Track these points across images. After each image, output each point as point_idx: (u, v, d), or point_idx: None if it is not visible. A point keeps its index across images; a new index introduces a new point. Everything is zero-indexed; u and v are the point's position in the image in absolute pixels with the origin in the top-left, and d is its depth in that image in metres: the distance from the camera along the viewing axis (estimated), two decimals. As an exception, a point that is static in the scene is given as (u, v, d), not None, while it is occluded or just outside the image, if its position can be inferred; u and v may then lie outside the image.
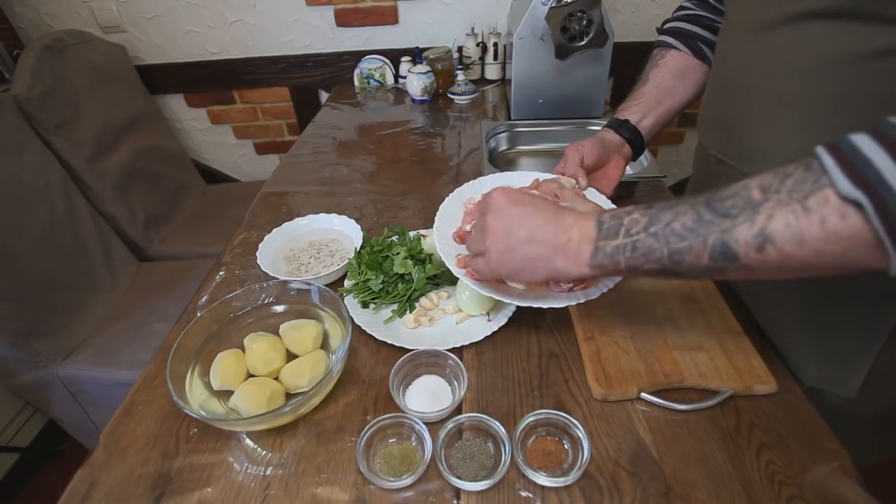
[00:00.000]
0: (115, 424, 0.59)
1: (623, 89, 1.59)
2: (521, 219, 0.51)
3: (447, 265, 0.63)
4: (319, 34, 1.69)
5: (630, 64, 1.32)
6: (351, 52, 1.71)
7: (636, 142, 0.74)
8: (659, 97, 0.76)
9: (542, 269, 0.50)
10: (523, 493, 0.50)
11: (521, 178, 0.72)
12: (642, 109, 0.75)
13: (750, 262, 0.39)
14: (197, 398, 0.57)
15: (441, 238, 0.66)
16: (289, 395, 0.60)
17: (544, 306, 0.58)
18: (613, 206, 0.67)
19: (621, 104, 0.78)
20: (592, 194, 0.69)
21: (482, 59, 1.64)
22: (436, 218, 0.68)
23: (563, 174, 0.69)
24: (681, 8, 0.80)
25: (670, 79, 0.76)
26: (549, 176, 0.71)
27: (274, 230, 0.86)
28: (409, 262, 0.72)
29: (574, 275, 0.50)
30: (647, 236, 0.44)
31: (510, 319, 0.68)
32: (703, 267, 0.42)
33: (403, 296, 0.71)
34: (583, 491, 0.50)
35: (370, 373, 0.64)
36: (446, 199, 0.72)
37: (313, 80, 1.78)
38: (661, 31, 0.81)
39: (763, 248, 0.38)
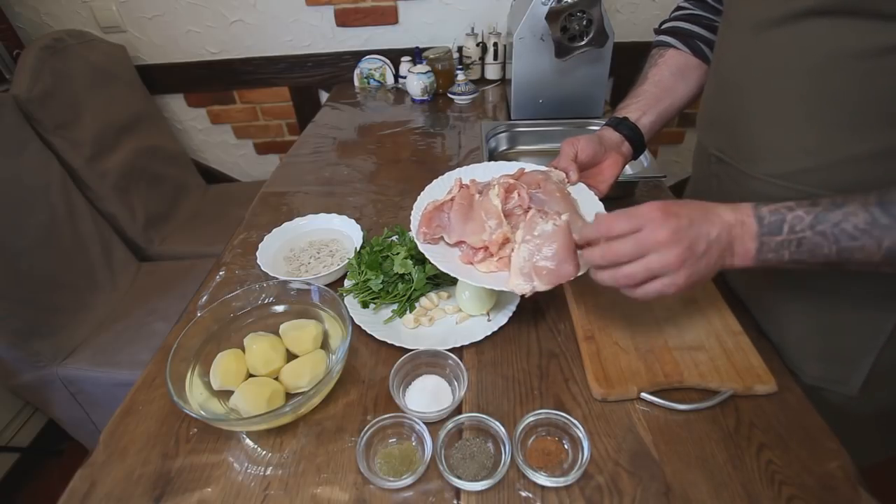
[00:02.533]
0: (115, 424, 0.59)
1: (623, 89, 1.59)
2: (694, 228, 0.48)
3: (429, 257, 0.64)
4: (319, 34, 1.69)
5: (630, 64, 1.32)
6: (351, 52, 1.71)
7: (636, 139, 0.74)
8: (658, 95, 0.76)
9: (716, 270, 0.50)
10: (523, 493, 0.50)
11: (502, 168, 0.74)
12: (641, 107, 0.75)
13: None
14: (197, 398, 0.57)
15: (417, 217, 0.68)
16: (289, 395, 0.60)
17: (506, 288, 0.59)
18: (600, 205, 0.67)
19: (620, 103, 0.78)
20: (582, 191, 0.69)
21: (482, 59, 1.64)
22: (415, 214, 0.69)
23: (556, 168, 0.69)
24: (678, 8, 0.79)
25: (669, 77, 0.76)
26: (536, 167, 0.71)
27: (274, 230, 0.86)
28: (409, 262, 0.72)
29: (738, 266, 0.50)
30: (814, 234, 0.45)
31: (510, 319, 0.68)
32: (875, 263, 0.44)
33: (403, 296, 0.71)
34: (583, 491, 0.50)
35: (370, 373, 0.64)
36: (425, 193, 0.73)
37: (313, 80, 1.78)
38: (659, 31, 0.80)
39: None
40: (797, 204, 0.47)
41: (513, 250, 0.61)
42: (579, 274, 0.59)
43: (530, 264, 0.59)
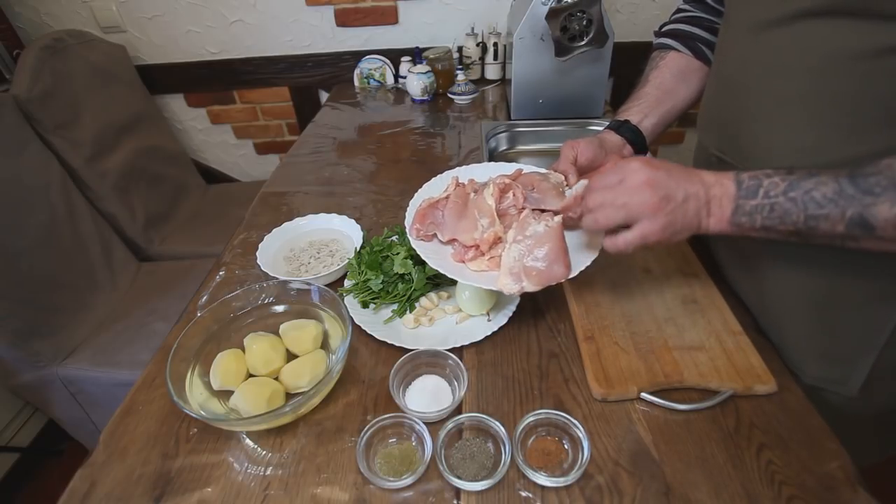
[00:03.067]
0: (115, 424, 0.59)
1: (623, 89, 1.59)
2: (672, 180, 0.51)
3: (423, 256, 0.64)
4: (319, 34, 1.69)
5: (630, 64, 1.32)
6: (351, 52, 1.71)
7: (638, 142, 0.74)
8: (659, 97, 0.75)
9: (694, 226, 0.52)
10: (523, 493, 0.50)
11: (501, 169, 0.74)
12: (643, 110, 0.75)
13: (886, 234, 0.43)
14: (197, 398, 0.57)
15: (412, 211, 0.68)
16: (289, 395, 0.60)
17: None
18: None
19: (621, 106, 0.78)
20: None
21: (482, 59, 1.64)
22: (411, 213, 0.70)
23: (556, 171, 0.69)
24: (679, 10, 0.79)
25: (671, 79, 0.76)
26: (535, 169, 0.71)
27: (274, 230, 0.86)
28: (409, 262, 0.72)
29: (713, 230, 0.52)
30: (786, 200, 0.47)
31: (510, 319, 0.68)
32: (838, 234, 0.45)
33: (403, 296, 0.71)
34: (583, 491, 0.50)
35: (370, 373, 0.64)
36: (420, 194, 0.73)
37: (313, 80, 1.78)
38: (659, 34, 0.80)
39: None
40: (774, 171, 0.49)
41: (504, 250, 0.61)
42: (570, 276, 0.59)
43: (520, 264, 0.59)
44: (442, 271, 0.62)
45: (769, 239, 0.51)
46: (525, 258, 0.59)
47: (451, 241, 0.66)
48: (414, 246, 0.65)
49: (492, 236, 0.62)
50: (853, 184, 0.44)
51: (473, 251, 0.63)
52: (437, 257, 0.64)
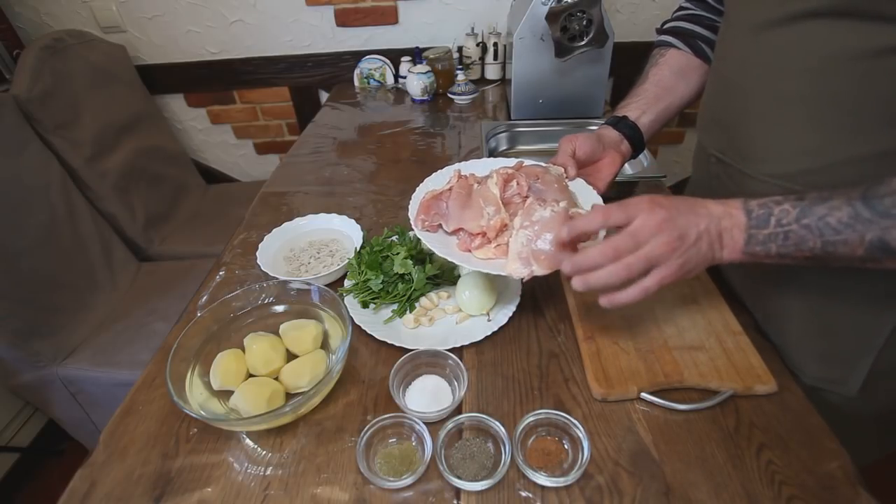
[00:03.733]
0: (115, 424, 0.59)
1: (623, 89, 1.59)
2: (683, 217, 0.49)
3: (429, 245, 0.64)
4: (319, 34, 1.69)
5: (630, 64, 1.32)
6: (351, 52, 1.71)
7: (635, 138, 0.74)
8: (658, 94, 0.76)
9: (707, 261, 0.51)
10: (523, 493, 0.50)
11: (501, 164, 0.74)
12: (641, 106, 0.75)
13: None
14: (197, 398, 0.57)
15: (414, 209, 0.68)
16: (289, 395, 0.60)
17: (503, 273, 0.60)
18: (598, 199, 0.68)
19: (620, 102, 0.78)
20: (580, 185, 0.69)
21: (482, 59, 1.64)
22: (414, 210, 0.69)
23: (555, 164, 0.69)
24: (680, 8, 0.80)
25: (670, 77, 0.76)
26: (535, 163, 0.72)
27: (274, 230, 0.86)
28: (409, 262, 0.72)
29: (727, 261, 0.51)
30: (800, 227, 0.46)
31: (510, 319, 0.68)
32: (857, 258, 0.45)
33: (403, 296, 0.71)
34: (583, 491, 0.49)
35: (370, 373, 0.64)
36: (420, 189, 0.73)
37: (313, 80, 1.78)
38: (660, 31, 0.81)
39: None
40: (784, 198, 0.48)
41: (511, 237, 0.61)
42: None
43: (528, 249, 0.59)
44: (450, 259, 0.62)
45: (787, 264, 0.50)
46: (533, 243, 0.59)
47: (457, 231, 0.66)
48: (419, 236, 0.65)
49: (498, 223, 0.62)
50: (868, 207, 0.43)
51: (480, 239, 0.63)
52: (443, 247, 0.64)
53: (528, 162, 0.72)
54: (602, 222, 0.52)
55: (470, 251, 0.64)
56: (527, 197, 0.65)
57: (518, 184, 0.66)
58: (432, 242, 0.64)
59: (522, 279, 0.59)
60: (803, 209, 0.46)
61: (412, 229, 0.68)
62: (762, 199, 0.49)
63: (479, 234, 0.63)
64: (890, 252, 0.43)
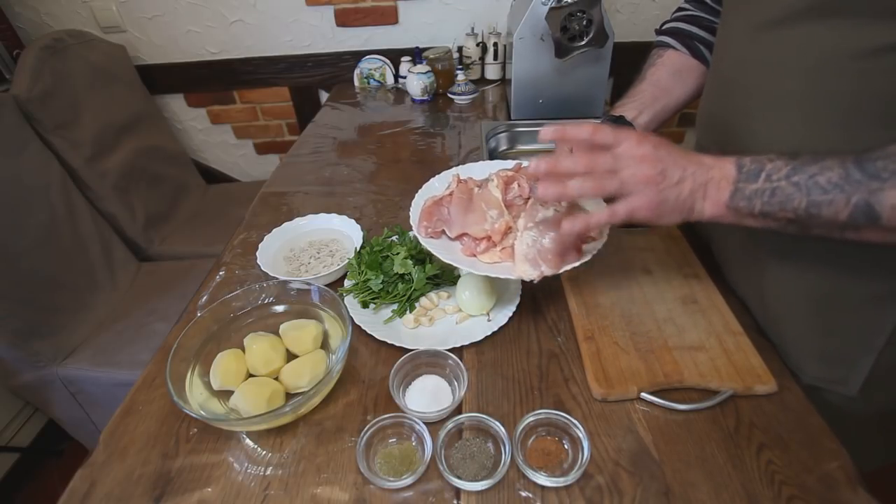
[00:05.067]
0: (115, 424, 0.59)
1: (623, 89, 1.59)
2: (672, 158, 0.49)
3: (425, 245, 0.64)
4: (319, 34, 1.69)
5: (630, 64, 1.31)
6: (351, 52, 1.71)
7: None
8: (655, 95, 0.76)
9: (687, 209, 0.50)
10: (523, 493, 0.50)
11: (499, 166, 0.74)
12: (638, 106, 0.75)
13: (892, 224, 0.41)
14: (197, 398, 0.57)
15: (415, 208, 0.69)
16: (289, 395, 0.60)
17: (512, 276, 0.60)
18: (601, 201, 0.67)
19: (617, 102, 0.78)
20: None
21: (482, 59, 1.64)
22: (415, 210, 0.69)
23: None
24: (679, 9, 0.80)
25: (667, 77, 0.76)
26: None
27: (274, 230, 0.86)
28: (409, 262, 0.72)
29: (708, 215, 0.50)
30: (789, 184, 0.45)
31: (510, 319, 0.68)
32: (839, 223, 0.44)
33: (403, 296, 0.71)
34: (583, 491, 0.49)
35: (370, 373, 0.64)
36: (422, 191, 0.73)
37: (313, 80, 1.78)
38: (659, 32, 0.81)
39: None
40: (778, 155, 0.47)
41: (516, 239, 0.61)
42: (584, 260, 0.59)
43: (534, 250, 0.59)
44: (457, 266, 0.62)
45: (765, 228, 0.49)
46: (539, 243, 0.59)
47: (461, 237, 0.65)
48: (424, 244, 0.65)
49: (503, 226, 0.62)
50: (860, 168, 0.42)
51: (485, 243, 0.63)
52: (449, 253, 0.64)
53: (526, 163, 0.72)
54: (589, 133, 0.51)
55: (475, 256, 0.64)
56: (529, 198, 0.65)
57: (519, 185, 0.66)
58: (437, 249, 0.64)
59: (533, 280, 0.59)
60: (795, 167, 0.46)
61: (412, 230, 0.68)
62: (757, 155, 0.49)
63: (483, 238, 0.63)
64: (872, 217, 0.42)
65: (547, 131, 0.53)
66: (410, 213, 0.68)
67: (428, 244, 0.65)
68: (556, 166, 0.52)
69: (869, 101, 0.47)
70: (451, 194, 0.67)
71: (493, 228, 0.62)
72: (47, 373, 1.16)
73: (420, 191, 0.72)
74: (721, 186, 0.49)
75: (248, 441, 0.57)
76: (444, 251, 0.64)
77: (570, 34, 1.13)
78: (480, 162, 0.78)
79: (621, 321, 0.65)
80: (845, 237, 0.46)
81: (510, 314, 0.68)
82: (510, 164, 0.74)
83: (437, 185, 0.73)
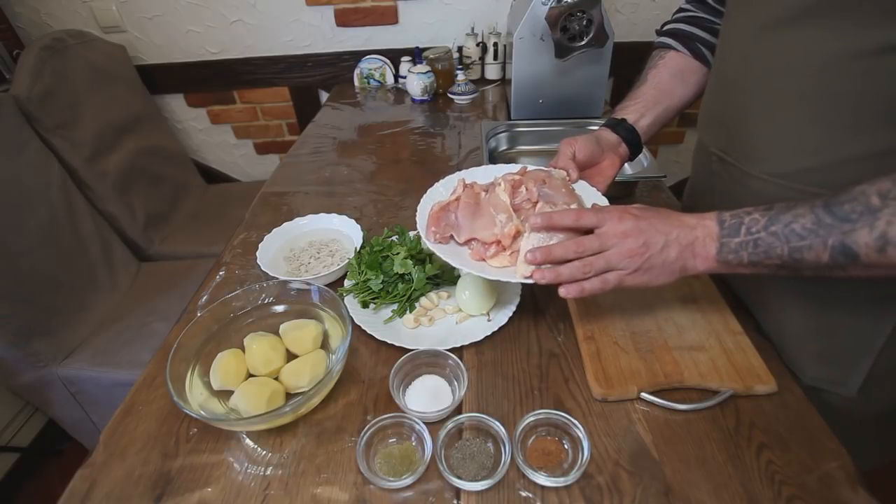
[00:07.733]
0: (115, 424, 0.59)
1: (623, 89, 1.60)
2: (652, 229, 0.53)
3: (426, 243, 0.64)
4: (319, 34, 1.70)
5: (630, 64, 1.32)
6: (351, 52, 1.71)
7: (633, 141, 0.74)
8: (657, 97, 0.76)
9: (677, 270, 0.53)
10: (523, 493, 0.50)
11: (504, 170, 0.73)
12: (640, 109, 0.75)
13: (871, 261, 0.43)
14: (197, 398, 0.57)
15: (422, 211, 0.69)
16: (289, 395, 0.60)
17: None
18: (604, 199, 0.68)
19: (619, 104, 0.78)
20: (583, 187, 0.69)
21: (482, 59, 1.64)
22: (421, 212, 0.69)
23: (556, 167, 0.69)
24: (680, 10, 0.80)
25: (669, 79, 0.76)
26: (538, 168, 0.71)
27: (274, 230, 0.86)
28: (409, 262, 0.72)
29: (702, 269, 0.53)
30: (768, 234, 0.48)
31: (510, 319, 0.68)
32: (824, 265, 0.45)
33: (403, 296, 0.71)
34: (583, 491, 0.50)
35: (370, 373, 0.64)
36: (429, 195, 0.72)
37: (313, 80, 1.78)
38: (660, 33, 0.81)
39: (884, 249, 0.41)
40: (755, 208, 0.50)
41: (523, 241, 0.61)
42: None
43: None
44: (468, 270, 0.61)
45: (760, 274, 0.51)
46: (545, 245, 0.59)
47: (469, 242, 0.65)
48: (434, 250, 0.64)
49: (513, 230, 0.62)
50: (829, 212, 0.44)
51: (495, 247, 0.63)
52: (458, 258, 0.63)
53: (530, 167, 0.72)
54: (574, 220, 0.56)
55: (484, 260, 0.63)
56: (537, 202, 0.64)
57: (527, 189, 0.65)
58: (447, 255, 0.63)
59: (539, 283, 0.59)
60: (771, 217, 0.48)
61: (412, 229, 0.67)
62: (735, 210, 0.51)
63: (493, 242, 0.62)
64: (851, 256, 0.43)
65: (536, 222, 0.58)
66: (416, 220, 0.67)
67: (437, 250, 0.64)
68: (550, 254, 0.55)
69: (874, 100, 0.47)
70: (457, 199, 0.67)
71: (502, 233, 0.62)
72: (47, 373, 1.16)
73: (425, 196, 0.71)
74: (707, 244, 0.52)
75: (248, 441, 0.57)
76: (454, 256, 0.63)
77: (570, 34, 1.13)
78: (483, 166, 0.77)
79: (621, 321, 0.65)
80: (835, 276, 0.47)
81: (510, 314, 0.68)
82: (515, 167, 0.73)
83: (442, 190, 0.72)
